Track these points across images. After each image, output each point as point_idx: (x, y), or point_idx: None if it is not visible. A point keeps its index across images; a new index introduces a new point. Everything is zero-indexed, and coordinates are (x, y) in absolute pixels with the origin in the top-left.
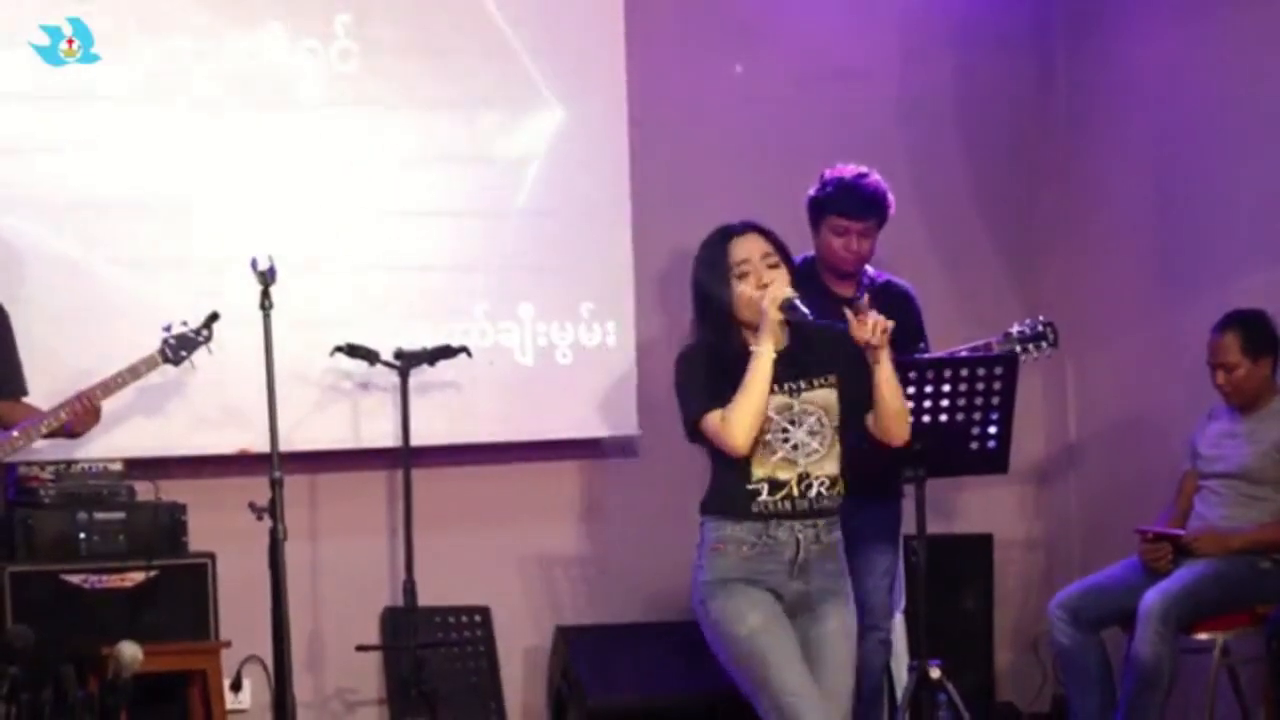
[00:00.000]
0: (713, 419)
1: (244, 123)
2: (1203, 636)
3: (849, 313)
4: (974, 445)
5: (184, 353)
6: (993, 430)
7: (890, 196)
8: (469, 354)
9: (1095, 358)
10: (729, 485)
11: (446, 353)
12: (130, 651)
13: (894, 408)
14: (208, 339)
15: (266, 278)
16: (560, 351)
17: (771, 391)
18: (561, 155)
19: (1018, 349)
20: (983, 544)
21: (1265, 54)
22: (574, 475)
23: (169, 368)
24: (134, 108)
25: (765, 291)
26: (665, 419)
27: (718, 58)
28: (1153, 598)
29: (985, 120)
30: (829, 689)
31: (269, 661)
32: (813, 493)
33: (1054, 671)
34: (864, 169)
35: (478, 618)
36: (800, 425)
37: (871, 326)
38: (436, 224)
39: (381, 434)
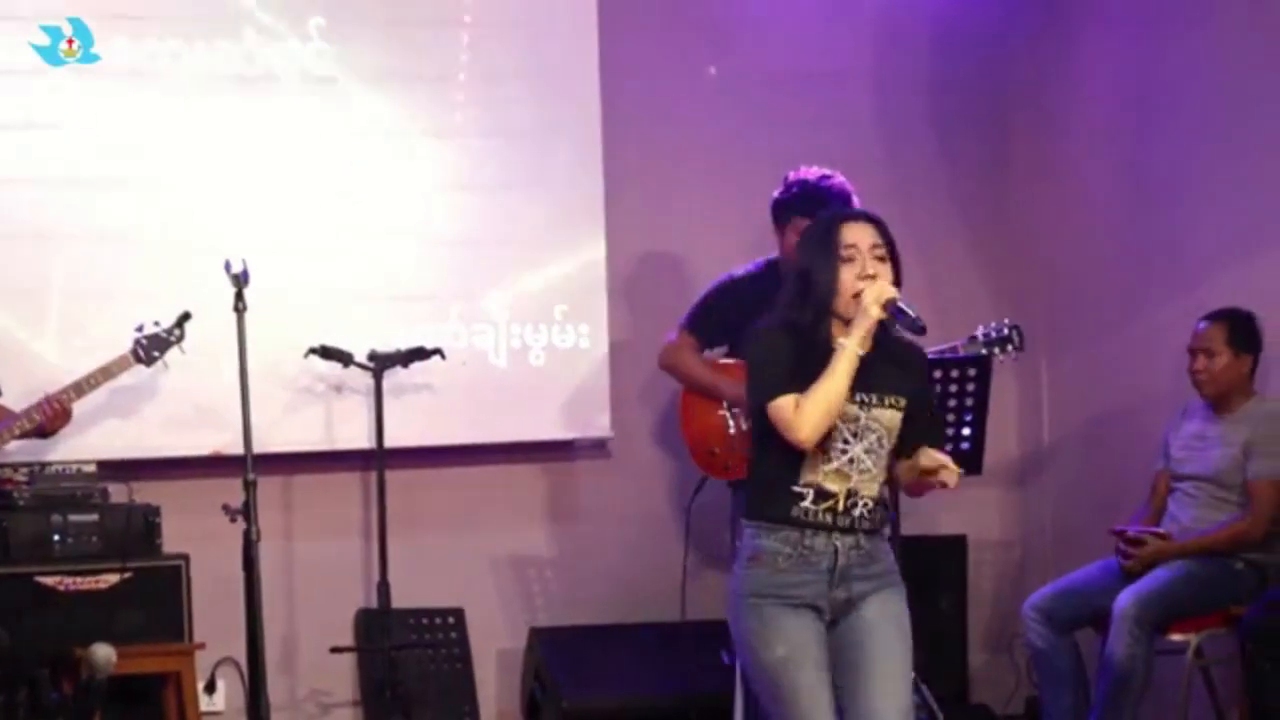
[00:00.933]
0: (786, 404)
1: (218, 124)
2: (1176, 637)
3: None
4: (948, 447)
5: (156, 353)
6: (966, 432)
7: (855, 199)
8: (443, 356)
9: (1069, 359)
10: (771, 482)
11: (420, 355)
12: (104, 653)
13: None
14: (180, 339)
15: (240, 280)
16: (534, 353)
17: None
18: (535, 159)
19: (984, 351)
20: (957, 545)
21: (1238, 52)
22: (547, 477)
23: (141, 368)
24: (105, 110)
25: (867, 283)
26: (637, 421)
27: (691, 60)
28: (1126, 599)
29: (959, 121)
30: (874, 670)
31: (243, 663)
32: (857, 511)
33: (1028, 673)
34: (828, 171)
35: (451, 619)
36: (861, 440)
37: (952, 477)
38: (411, 228)
39: (355, 436)
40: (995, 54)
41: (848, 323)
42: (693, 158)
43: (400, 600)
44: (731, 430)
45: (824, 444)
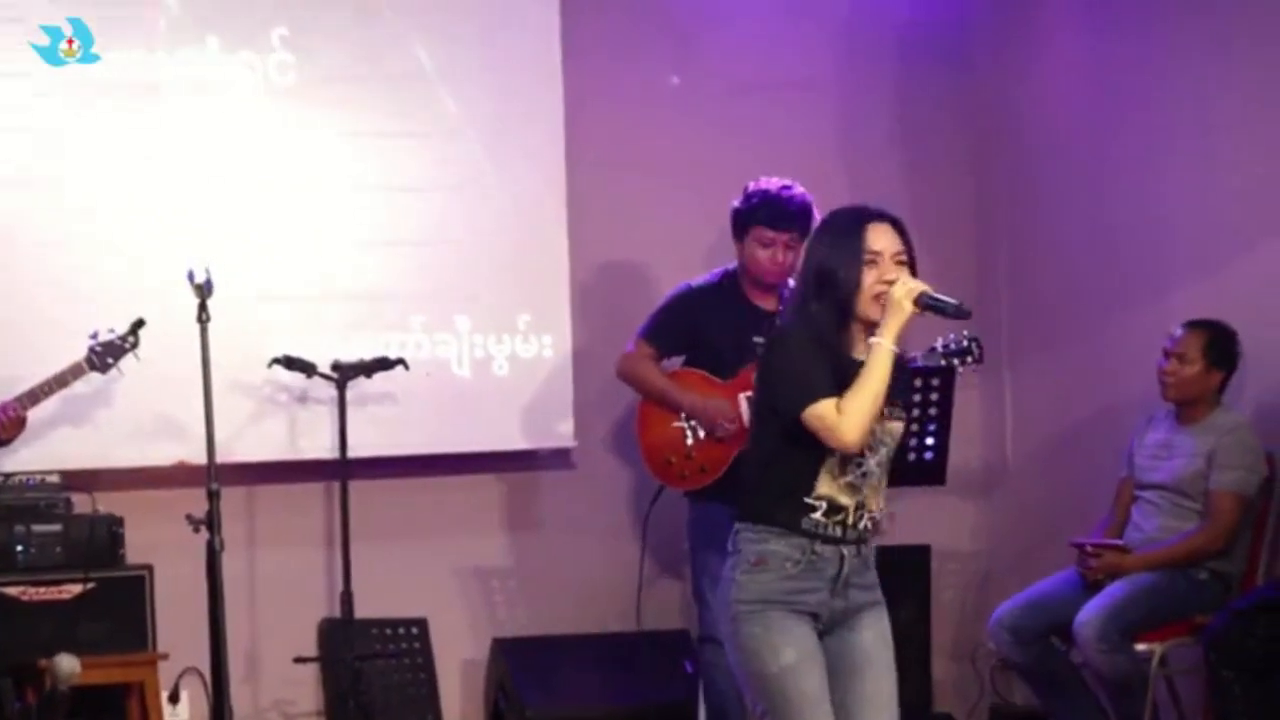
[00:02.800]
0: (827, 409)
1: (181, 134)
2: (1141, 647)
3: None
4: (911, 457)
5: (111, 360)
6: (930, 442)
7: (815, 209)
8: (406, 366)
9: (1032, 370)
10: (784, 490)
11: (384, 365)
12: (68, 663)
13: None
14: (134, 346)
15: (203, 290)
16: (497, 364)
17: None
18: (498, 168)
19: (943, 363)
20: (920, 555)
21: (1199, 63)
22: (511, 487)
23: (96, 376)
24: (65, 116)
25: (892, 284)
26: (601, 431)
27: (654, 69)
28: (1085, 617)
29: (922, 132)
30: (871, 696)
31: (207, 673)
32: (863, 524)
33: (992, 682)
34: (788, 181)
35: (415, 629)
36: (875, 453)
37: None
38: (374, 238)
39: (319, 446)
40: (959, 63)
41: (867, 325)
42: (656, 167)
43: (363, 610)
44: (689, 441)
45: (845, 456)
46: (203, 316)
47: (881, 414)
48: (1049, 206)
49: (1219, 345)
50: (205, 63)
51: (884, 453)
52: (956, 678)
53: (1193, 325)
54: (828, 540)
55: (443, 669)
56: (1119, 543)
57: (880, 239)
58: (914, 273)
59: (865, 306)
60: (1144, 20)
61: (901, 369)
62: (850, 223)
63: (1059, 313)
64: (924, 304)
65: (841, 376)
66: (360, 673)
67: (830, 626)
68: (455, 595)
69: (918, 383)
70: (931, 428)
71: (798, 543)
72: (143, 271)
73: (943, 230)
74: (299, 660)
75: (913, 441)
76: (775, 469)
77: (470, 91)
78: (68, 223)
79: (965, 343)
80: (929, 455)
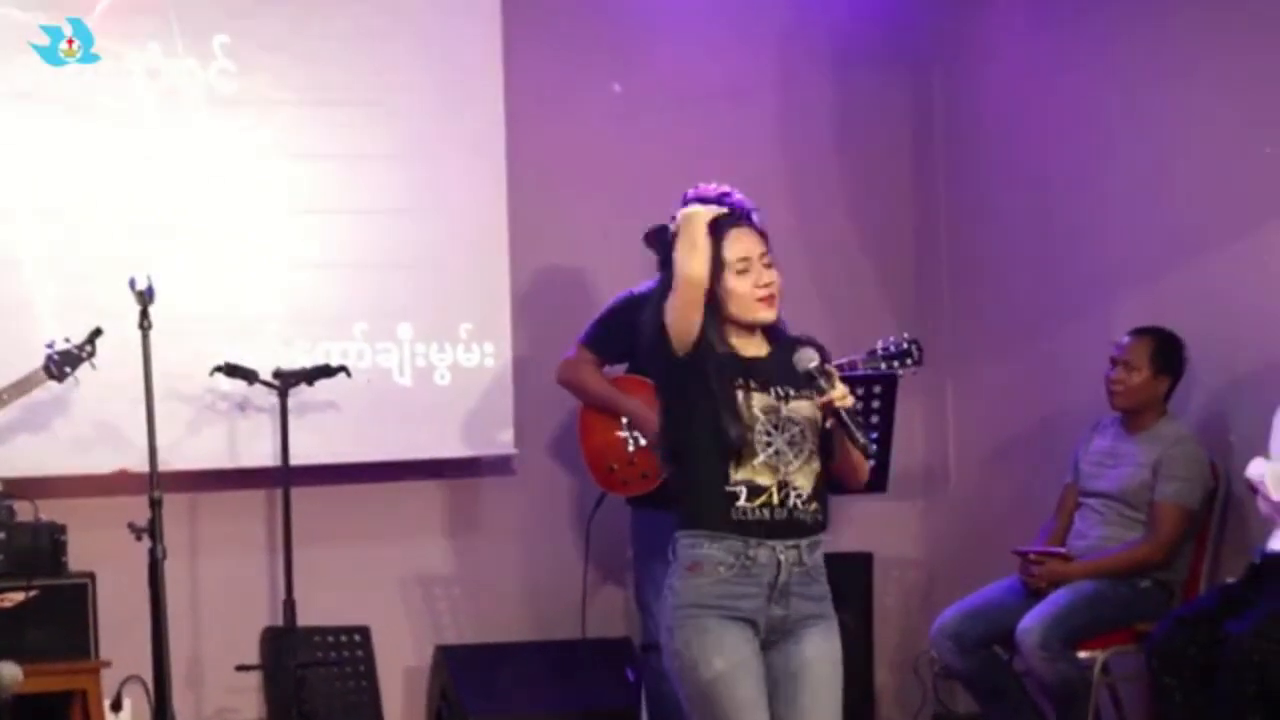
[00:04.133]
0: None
1: (121, 140)
2: (1084, 655)
3: (823, 383)
4: None
5: (68, 369)
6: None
7: (755, 216)
8: (348, 374)
9: (975, 378)
10: (703, 488)
11: (325, 372)
12: (10, 671)
13: (854, 455)
14: (91, 354)
15: (145, 297)
16: (439, 372)
17: (762, 390)
18: (439, 176)
19: (883, 366)
20: (862, 562)
21: (1144, 71)
22: (453, 494)
23: (53, 384)
24: (5, 127)
25: (762, 289)
26: (543, 438)
27: (596, 77)
28: (1027, 625)
29: (864, 141)
30: (808, 708)
31: (149, 681)
32: (790, 501)
33: (934, 690)
34: (727, 188)
35: (358, 637)
36: (783, 432)
37: (840, 395)
38: (316, 245)
39: (260, 453)
40: (901, 71)
41: (744, 327)
42: (597, 174)
43: (306, 618)
44: (630, 447)
45: (748, 440)
46: (144, 324)
47: (779, 395)
48: (991, 213)
49: (1165, 352)
50: (145, 71)
51: (795, 431)
52: (899, 685)
53: (1139, 332)
54: (761, 534)
55: (385, 676)
56: (1061, 550)
57: (743, 245)
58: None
59: (744, 312)
60: (1087, 29)
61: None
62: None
63: (1001, 320)
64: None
65: (745, 371)
66: (303, 680)
67: (772, 637)
68: (398, 603)
69: (859, 391)
70: (873, 435)
71: (731, 545)
72: (83, 278)
73: (883, 237)
74: (241, 668)
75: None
76: (691, 466)
77: (411, 98)
78: (11, 233)
79: (905, 345)
80: (871, 463)
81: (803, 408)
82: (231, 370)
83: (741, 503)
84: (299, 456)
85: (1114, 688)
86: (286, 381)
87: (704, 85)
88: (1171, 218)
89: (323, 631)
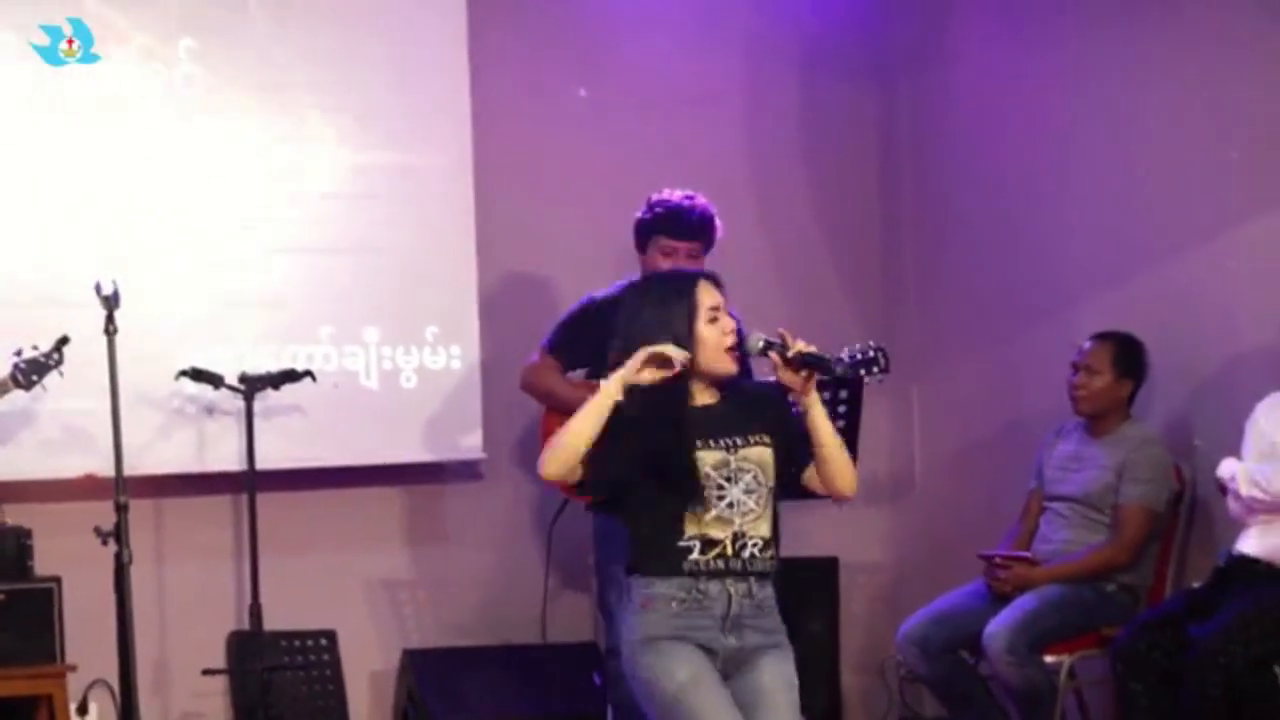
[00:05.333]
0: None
1: (87, 145)
2: (1050, 659)
3: (774, 356)
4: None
5: (35, 377)
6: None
7: (718, 220)
8: (314, 378)
9: (940, 383)
10: (657, 542)
11: (291, 377)
12: None
13: (837, 454)
14: (59, 363)
15: (110, 302)
16: (405, 375)
17: (708, 447)
18: (405, 181)
19: (850, 374)
20: (829, 567)
21: (1106, 78)
22: (419, 499)
23: (19, 392)
24: None
25: (728, 337)
26: (508, 443)
27: (561, 81)
28: (994, 630)
29: (830, 147)
30: None
31: (115, 685)
32: (746, 553)
33: (900, 695)
34: (691, 193)
35: (324, 641)
36: (737, 482)
37: (802, 345)
38: (281, 249)
39: (226, 458)
40: (866, 77)
41: (711, 379)
42: (563, 179)
43: (272, 622)
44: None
45: (702, 495)
46: (110, 328)
47: (728, 446)
48: (955, 219)
49: (1127, 356)
50: (111, 72)
51: (749, 479)
52: (865, 689)
53: (1101, 337)
54: (713, 575)
55: (351, 680)
56: (1026, 554)
57: (711, 295)
58: None
59: (712, 363)
60: (1051, 34)
61: (760, 404)
62: (676, 286)
63: (966, 325)
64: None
65: (688, 423)
66: (269, 684)
67: (728, 669)
68: (364, 607)
69: (825, 395)
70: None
71: (681, 583)
72: (48, 283)
73: (849, 243)
74: (208, 672)
75: None
76: (644, 520)
77: (377, 103)
78: None
79: (871, 353)
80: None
81: (753, 454)
82: (197, 375)
83: (695, 556)
84: (265, 461)
85: (1080, 692)
86: (252, 386)
87: (671, 89)
88: (1135, 222)
89: (289, 635)
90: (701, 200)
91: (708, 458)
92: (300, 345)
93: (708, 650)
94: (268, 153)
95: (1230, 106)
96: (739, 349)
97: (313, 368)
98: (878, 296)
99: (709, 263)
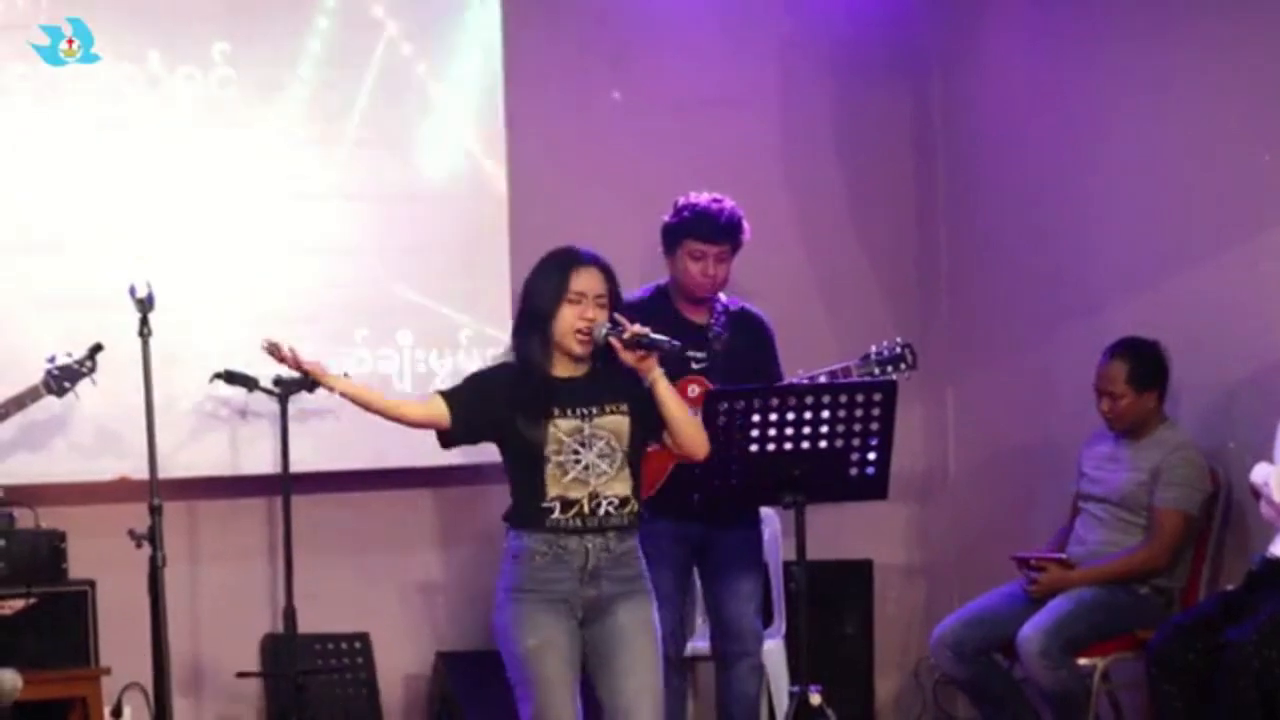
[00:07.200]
0: (431, 397)
1: (121, 150)
2: (1084, 662)
3: (614, 341)
4: (853, 471)
5: (68, 384)
6: (872, 456)
7: (745, 223)
8: None
9: (974, 385)
10: (524, 501)
11: None
12: (10, 679)
13: (682, 421)
14: (92, 370)
15: (145, 305)
16: (439, 378)
17: (565, 415)
18: (440, 183)
19: (877, 371)
20: (863, 569)
21: (1138, 79)
22: (452, 501)
23: (51, 399)
24: (8, 134)
25: (592, 322)
26: None
27: (596, 85)
28: (1027, 633)
29: (863, 149)
30: (629, 667)
31: (149, 688)
32: (601, 511)
33: (934, 697)
34: (719, 195)
35: (358, 644)
36: (590, 448)
37: (636, 329)
38: (316, 252)
39: (260, 460)
40: (899, 77)
41: (568, 354)
42: (597, 182)
43: (306, 625)
44: None
45: (559, 460)
46: (144, 331)
47: (583, 415)
48: (989, 218)
49: (1140, 368)
50: (147, 77)
51: (602, 445)
52: (899, 692)
53: (1112, 355)
54: (571, 532)
55: (385, 683)
56: (1060, 555)
57: (584, 281)
58: (613, 312)
59: (563, 338)
60: (1083, 36)
61: (614, 376)
62: (559, 263)
63: (1000, 325)
64: (646, 344)
65: (549, 394)
66: (303, 688)
67: (589, 615)
68: (398, 609)
69: (859, 398)
70: (873, 442)
71: (545, 537)
72: (83, 286)
73: (883, 245)
74: (242, 675)
75: (854, 456)
76: (516, 483)
77: (412, 106)
78: (11, 246)
79: (899, 349)
80: (870, 470)
81: (608, 422)
82: (231, 377)
83: (555, 515)
84: (299, 463)
85: (1114, 695)
86: (287, 388)
87: (704, 92)
88: (1167, 224)
89: (323, 638)
90: (729, 203)
91: (564, 425)
92: (334, 348)
93: (565, 602)
94: (302, 155)
95: (1263, 110)
96: (589, 334)
97: (347, 370)
98: (911, 298)
99: (739, 264)
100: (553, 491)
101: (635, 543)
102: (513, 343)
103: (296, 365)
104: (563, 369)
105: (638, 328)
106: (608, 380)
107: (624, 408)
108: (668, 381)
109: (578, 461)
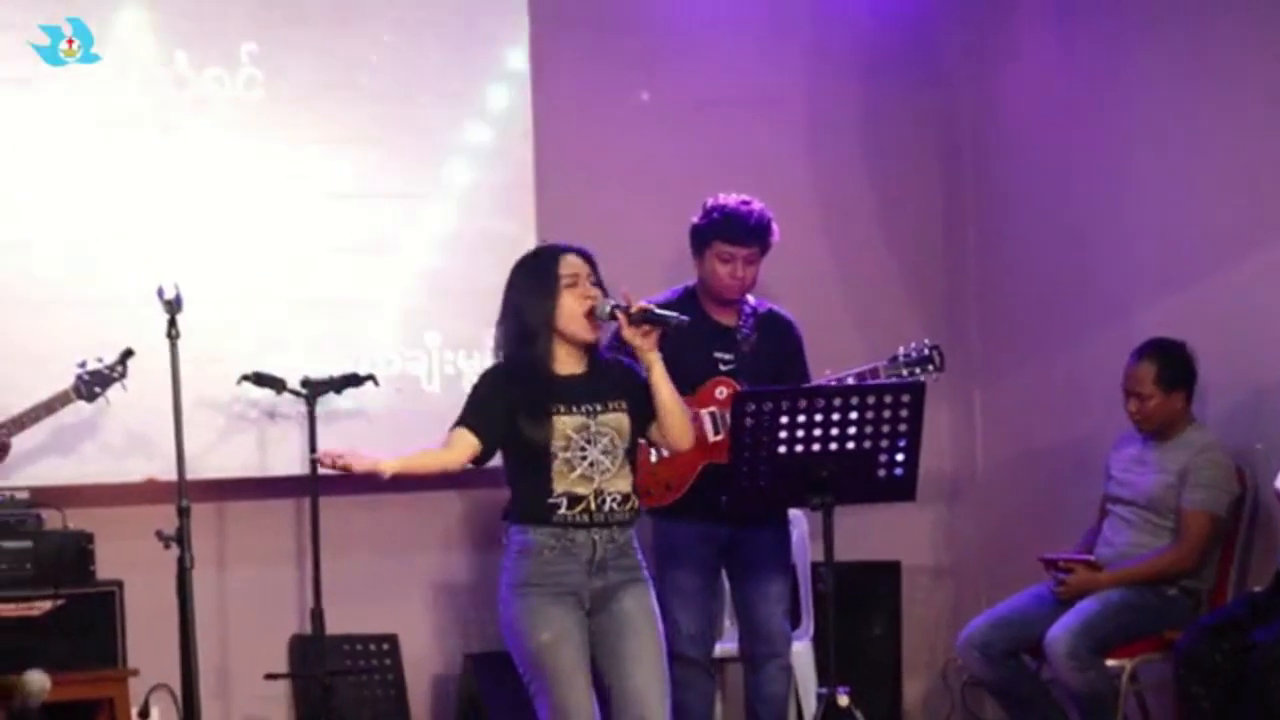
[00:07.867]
0: (451, 436)
1: (149, 153)
2: (1112, 663)
3: (620, 316)
4: (881, 473)
5: (98, 389)
6: (900, 458)
7: (774, 225)
8: (376, 382)
9: (1002, 386)
10: (531, 497)
11: (353, 381)
12: (38, 680)
13: (674, 409)
14: (122, 375)
15: (173, 306)
16: (467, 379)
17: (571, 412)
18: (468, 185)
19: (905, 372)
20: (890, 571)
21: (1167, 79)
22: (480, 502)
23: (82, 403)
24: (38, 134)
25: (595, 300)
26: None
27: (624, 85)
28: (1055, 634)
29: (891, 151)
30: (635, 652)
31: (177, 689)
32: (607, 507)
33: (962, 699)
34: (747, 197)
35: (386, 646)
36: (595, 445)
37: (637, 311)
38: (344, 253)
39: (289, 462)
40: (927, 77)
41: (575, 344)
42: (625, 183)
43: (334, 627)
44: (653, 458)
45: (566, 456)
46: (172, 333)
47: (589, 412)
48: (1018, 220)
49: (1168, 369)
50: (173, 79)
51: (606, 441)
52: (927, 693)
53: (1139, 356)
54: (579, 526)
55: (413, 685)
56: (1088, 557)
57: (571, 265)
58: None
59: (569, 325)
60: (1113, 36)
61: (615, 374)
62: (539, 259)
63: (1029, 326)
64: (650, 318)
65: (553, 391)
66: (331, 689)
67: (595, 605)
68: (426, 611)
69: (887, 399)
70: (902, 444)
71: (552, 531)
72: (111, 287)
73: (911, 246)
74: (270, 677)
75: (882, 458)
76: (520, 479)
77: (439, 107)
78: (41, 249)
79: (926, 350)
80: (899, 471)
81: (610, 419)
82: (260, 379)
83: (563, 510)
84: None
85: (1142, 696)
86: (315, 390)
87: (732, 93)
88: (1197, 226)
89: (351, 640)
90: (758, 204)
91: (570, 422)
92: (362, 349)
93: (575, 594)
94: (329, 157)
95: None
96: (594, 314)
97: (375, 372)
98: (940, 299)
99: (767, 266)
100: (560, 487)
101: (634, 533)
102: (505, 350)
103: (347, 469)
104: (564, 366)
105: (643, 302)
106: (606, 377)
107: (624, 405)
108: (664, 367)
109: (584, 458)
